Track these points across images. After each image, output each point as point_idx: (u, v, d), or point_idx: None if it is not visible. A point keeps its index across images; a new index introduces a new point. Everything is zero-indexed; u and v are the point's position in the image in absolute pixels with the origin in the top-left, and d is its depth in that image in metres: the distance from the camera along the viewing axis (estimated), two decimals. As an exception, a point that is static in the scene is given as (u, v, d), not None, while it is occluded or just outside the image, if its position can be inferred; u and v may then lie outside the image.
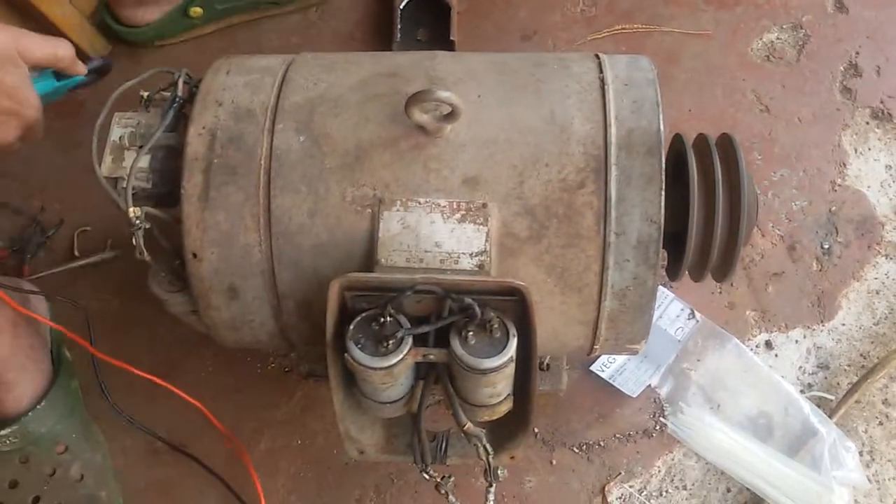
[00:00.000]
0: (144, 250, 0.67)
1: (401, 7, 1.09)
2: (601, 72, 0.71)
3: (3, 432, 0.78)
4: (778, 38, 1.13)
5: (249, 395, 0.91)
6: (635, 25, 1.13)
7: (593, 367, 0.90)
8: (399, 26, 1.09)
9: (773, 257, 0.99)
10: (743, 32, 1.13)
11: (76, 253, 0.99)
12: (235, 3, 1.10)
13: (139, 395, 0.91)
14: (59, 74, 0.75)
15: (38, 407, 0.80)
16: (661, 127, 0.67)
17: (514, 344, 0.62)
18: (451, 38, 1.08)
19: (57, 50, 0.71)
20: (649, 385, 0.90)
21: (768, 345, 0.95)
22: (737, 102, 1.09)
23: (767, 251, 1.00)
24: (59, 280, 0.97)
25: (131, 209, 0.66)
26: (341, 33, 1.13)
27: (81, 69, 0.75)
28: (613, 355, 0.90)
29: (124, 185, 0.71)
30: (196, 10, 1.08)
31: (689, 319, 0.93)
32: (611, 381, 0.90)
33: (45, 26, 1.01)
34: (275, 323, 0.73)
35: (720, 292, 0.97)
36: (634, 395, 0.90)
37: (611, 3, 1.15)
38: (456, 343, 0.62)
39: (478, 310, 0.61)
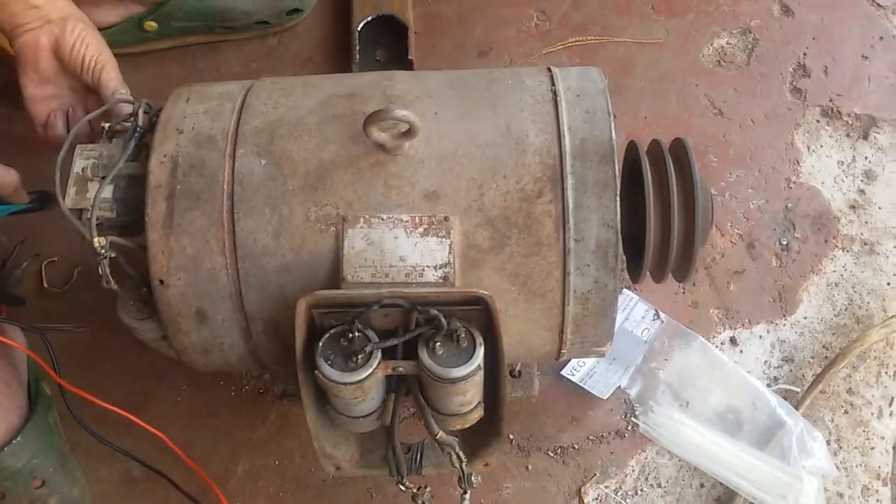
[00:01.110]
0: (111, 279, 0.68)
1: (358, 29, 1.11)
2: (553, 84, 0.73)
3: (-23, 468, 0.78)
4: (728, 44, 1.16)
5: (224, 418, 0.92)
6: (588, 37, 1.16)
7: (564, 372, 0.92)
8: (358, 48, 1.10)
9: (733, 256, 1.02)
10: (693, 39, 1.16)
11: (45, 285, 0.99)
12: (191, 23, 1.11)
13: (113, 424, 0.91)
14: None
15: (13, 441, 0.79)
16: (613, 135, 0.69)
17: (481, 352, 0.63)
18: (410, 57, 1.10)
19: (3, 177, 0.74)
20: (619, 386, 0.92)
21: (733, 341, 0.98)
22: (691, 107, 1.12)
23: (727, 250, 1.02)
24: (30, 312, 0.96)
25: (96, 239, 0.67)
26: (301, 57, 1.15)
27: (23, 198, 0.77)
28: (582, 359, 0.92)
29: (89, 216, 0.71)
30: (150, 24, 1.09)
31: (654, 320, 0.95)
32: (581, 385, 0.91)
33: (8, 61, 1.01)
34: (244, 345, 0.73)
35: (683, 292, 0.99)
36: (605, 397, 0.91)
37: (564, 17, 1.17)
38: (424, 354, 0.63)
39: (444, 320, 0.62)
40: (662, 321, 0.95)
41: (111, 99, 0.79)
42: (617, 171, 0.68)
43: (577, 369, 0.92)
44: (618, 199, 0.67)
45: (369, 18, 1.12)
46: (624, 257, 0.71)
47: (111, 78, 0.79)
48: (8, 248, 1.01)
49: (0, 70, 1.09)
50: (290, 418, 0.92)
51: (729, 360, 0.94)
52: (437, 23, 1.17)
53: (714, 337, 0.97)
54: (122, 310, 0.74)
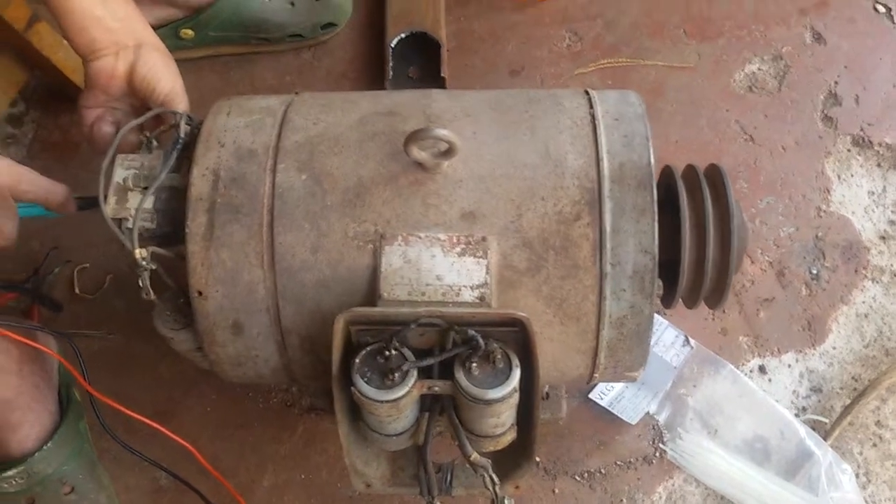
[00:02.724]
0: (151, 290, 0.69)
1: (392, 45, 1.12)
2: (591, 107, 0.73)
3: (8, 473, 0.78)
4: (759, 69, 1.16)
5: (252, 430, 0.92)
6: (620, 60, 1.16)
7: (592, 395, 0.92)
8: (391, 64, 1.11)
9: (763, 283, 1.01)
10: (725, 64, 1.16)
11: (76, 291, 1.00)
12: (226, 33, 1.12)
13: (141, 433, 0.92)
14: None
15: (44, 447, 0.80)
16: (652, 160, 0.69)
17: (517, 374, 0.63)
18: (442, 74, 1.10)
19: (49, 196, 0.76)
20: (647, 412, 0.92)
21: (762, 369, 0.97)
22: (721, 133, 1.12)
23: (757, 277, 1.02)
24: (61, 318, 0.97)
25: (138, 250, 0.68)
26: (334, 72, 1.16)
27: (71, 209, 0.78)
28: (611, 383, 0.92)
29: (129, 226, 0.72)
30: (187, 32, 1.10)
31: (683, 346, 0.94)
32: (609, 409, 0.91)
33: (50, 70, 1.03)
34: (279, 358, 0.74)
35: (713, 319, 0.99)
36: (633, 422, 0.91)
37: (596, 38, 1.18)
38: (460, 374, 0.63)
39: (481, 341, 0.62)
40: (692, 347, 0.94)
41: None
42: (655, 197, 0.68)
43: (606, 393, 0.92)
44: (656, 224, 0.67)
45: (403, 35, 1.13)
46: (660, 283, 0.71)
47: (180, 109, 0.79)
48: (41, 255, 1.02)
49: (38, 75, 1.11)
50: (318, 433, 0.92)
51: (758, 389, 0.94)
52: (469, 41, 1.18)
53: (743, 364, 0.97)
54: (158, 320, 0.75)
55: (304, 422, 0.93)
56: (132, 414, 0.82)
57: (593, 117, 0.72)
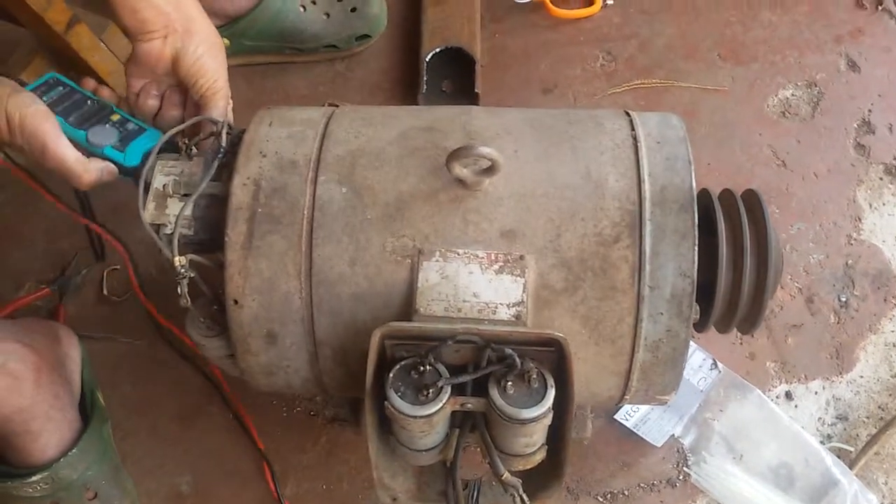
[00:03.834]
0: (189, 298, 0.69)
1: (426, 59, 1.12)
2: (633, 129, 0.73)
3: (33, 478, 0.78)
4: (793, 95, 1.16)
5: (275, 438, 0.92)
6: (654, 81, 1.16)
7: (617, 416, 0.91)
8: (425, 78, 1.11)
9: (791, 309, 1.01)
10: (759, 88, 1.16)
11: (105, 292, 1.00)
12: (261, 43, 1.13)
13: (164, 438, 0.92)
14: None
15: (69, 453, 0.80)
16: (694, 184, 0.69)
17: (552, 394, 0.63)
18: (476, 90, 1.11)
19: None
20: (673, 435, 0.91)
21: (788, 396, 0.96)
22: (754, 157, 1.11)
23: (786, 303, 1.01)
24: (89, 321, 0.98)
25: (177, 258, 0.68)
26: (367, 83, 1.16)
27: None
28: (640, 405, 0.91)
29: (167, 232, 0.73)
30: (223, 41, 1.10)
31: (711, 370, 0.94)
32: (635, 430, 0.91)
33: (86, 72, 1.04)
34: (310, 369, 0.74)
35: (741, 343, 0.98)
36: (658, 445, 0.90)
37: (630, 59, 1.18)
38: (495, 393, 0.63)
39: (517, 360, 0.62)
40: (720, 371, 0.94)
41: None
42: (696, 221, 0.68)
43: (631, 414, 0.91)
44: (696, 248, 0.67)
45: (438, 50, 1.13)
46: (697, 307, 0.70)
47: (217, 107, 0.79)
48: (69, 255, 1.03)
49: (74, 77, 1.11)
50: (340, 443, 0.92)
51: (784, 415, 0.93)
52: (503, 57, 1.18)
53: (769, 390, 0.96)
54: (192, 326, 0.75)
55: (326, 432, 0.93)
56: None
57: (635, 139, 0.72)
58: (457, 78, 1.14)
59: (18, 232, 1.06)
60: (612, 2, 1.21)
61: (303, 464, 0.91)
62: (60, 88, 0.81)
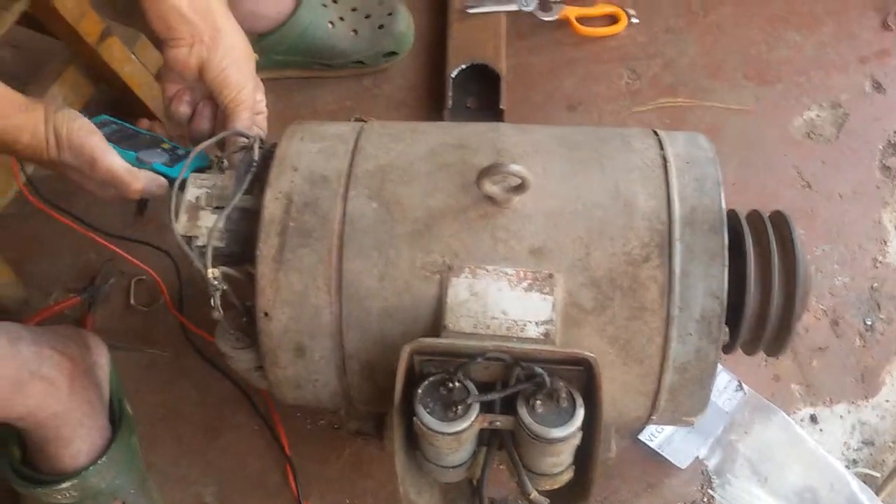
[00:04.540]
0: (221, 310, 0.69)
1: (452, 76, 1.13)
2: (661, 148, 0.74)
3: (63, 485, 0.79)
4: (817, 116, 1.16)
5: (298, 450, 0.92)
6: (678, 99, 1.16)
7: (641, 436, 0.91)
8: (451, 94, 1.12)
9: (817, 332, 1.00)
10: (783, 109, 1.16)
11: (132, 302, 1.01)
12: (290, 58, 1.14)
13: (189, 449, 0.93)
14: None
15: (98, 462, 0.80)
16: (724, 205, 0.69)
17: (581, 414, 0.63)
18: (501, 106, 1.11)
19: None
20: (697, 456, 0.91)
21: (813, 419, 0.96)
22: (778, 177, 1.11)
23: (811, 325, 1.01)
24: (115, 331, 0.98)
25: (210, 270, 0.69)
26: (394, 99, 1.17)
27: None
28: (665, 426, 0.91)
29: (198, 244, 0.73)
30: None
31: (736, 391, 0.94)
32: (659, 451, 0.90)
33: (116, 84, 1.05)
34: (338, 383, 0.74)
35: (766, 364, 0.98)
36: (683, 466, 0.90)
37: (655, 77, 1.18)
38: (524, 411, 0.63)
39: (547, 379, 0.62)
40: (745, 393, 0.94)
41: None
42: (726, 242, 0.68)
43: (656, 435, 0.91)
44: (726, 270, 0.67)
45: (463, 66, 1.14)
46: (727, 329, 0.70)
47: (241, 119, 0.80)
48: (98, 264, 1.04)
49: (104, 89, 1.13)
50: (364, 457, 0.92)
51: (809, 438, 0.93)
52: (528, 74, 1.19)
53: (794, 412, 0.96)
54: (221, 338, 0.76)
55: (350, 445, 0.93)
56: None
57: (664, 159, 0.72)
58: (482, 94, 1.15)
59: (47, 240, 1.07)
60: (636, 20, 1.22)
61: (326, 477, 0.91)
62: (114, 126, 0.83)
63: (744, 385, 0.94)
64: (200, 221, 0.74)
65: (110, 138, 0.77)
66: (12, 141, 0.73)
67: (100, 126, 0.79)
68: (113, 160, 0.74)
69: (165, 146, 0.80)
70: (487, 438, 0.68)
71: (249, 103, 0.82)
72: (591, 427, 0.65)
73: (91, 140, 0.73)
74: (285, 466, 0.91)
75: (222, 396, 0.95)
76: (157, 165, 0.77)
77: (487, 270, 0.68)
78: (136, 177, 0.74)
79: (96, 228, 0.94)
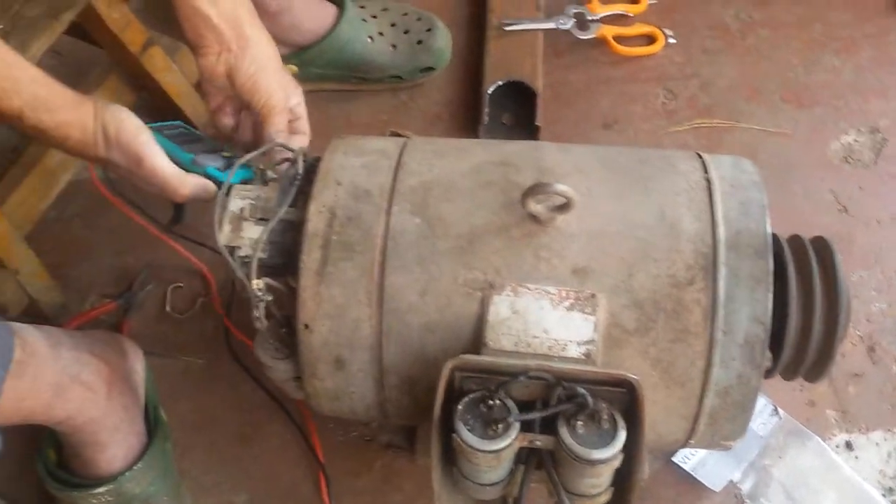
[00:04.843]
0: (265, 321, 0.70)
1: (489, 92, 1.13)
2: (706, 171, 0.74)
3: (99, 490, 0.79)
4: (855, 141, 1.15)
5: (330, 461, 0.92)
6: (715, 120, 1.16)
7: (675, 458, 0.90)
8: (487, 110, 1.12)
9: (853, 357, 0.99)
10: (820, 133, 1.16)
11: (168, 309, 1.02)
12: (329, 71, 1.15)
13: (222, 456, 0.93)
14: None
15: (134, 468, 0.81)
16: (769, 230, 0.69)
17: (623, 436, 0.62)
18: (537, 123, 1.11)
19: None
20: (731, 480, 0.90)
21: (848, 445, 0.95)
22: (815, 201, 1.11)
23: (847, 351, 1.00)
24: (150, 337, 0.99)
25: (255, 282, 0.69)
26: (429, 114, 1.18)
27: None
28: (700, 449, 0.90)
29: (240, 254, 0.74)
30: (291, 68, 1.13)
31: (771, 415, 0.93)
32: (693, 474, 0.90)
33: (157, 92, 1.07)
34: (375, 396, 0.74)
35: (801, 389, 0.97)
36: (716, 490, 0.89)
37: (691, 98, 1.18)
38: (564, 432, 0.63)
39: (590, 400, 0.62)
40: (780, 417, 0.93)
41: (269, 145, 0.82)
42: (771, 267, 0.67)
43: (689, 457, 0.90)
44: (770, 295, 0.67)
45: (500, 83, 1.14)
46: (769, 354, 0.70)
47: (273, 124, 0.81)
48: (136, 269, 1.05)
49: (145, 97, 1.14)
50: (394, 469, 0.92)
51: (845, 465, 0.92)
52: (564, 92, 1.19)
53: (829, 438, 0.95)
54: (260, 347, 0.76)
55: (381, 458, 0.93)
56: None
57: (709, 182, 0.72)
58: (517, 111, 1.15)
59: (86, 244, 1.08)
60: (673, 41, 1.22)
61: (357, 489, 0.91)
62: (182, 129, 0.84)
63: (779, 409, 0.93)
64: (243, 232, 0.74)
65: (174, 139, 0.78)
66: (63, 137, 0.74)
67: (170, 128, 0.80)
68: (159, 161, 0.74)
69: (226, 154, 0.81)
70: (525, 457, 0.68)
71: (281, 108, 0.83)
72: (631, 449, 0.64)
73: (138, 139, 0.74)
74: (317, 477, 0.91)
75: (256, 404, 0.96)
76: (210, 169, 0.78)
77: (529, 289, 0.68)
78: (183, 182, 0.75)
79: (161, 227, 0.94)
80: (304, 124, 0.87)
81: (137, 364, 0.89)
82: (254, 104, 0.82)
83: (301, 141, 0.91)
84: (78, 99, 0.74)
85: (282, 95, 0.82)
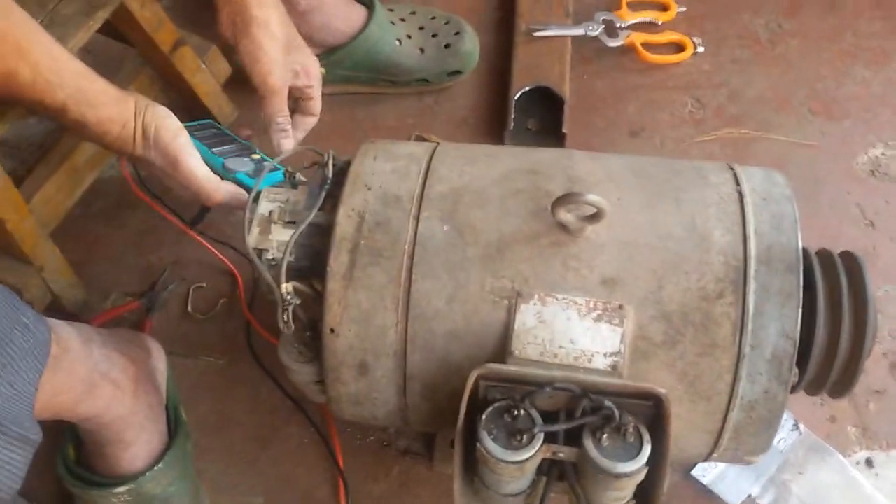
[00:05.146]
0: (292, 324, 0.70)
1: (515, 97, 1.13)
2: (738, 184, 0.73)
3: (119, 489, 0.79)
4: (883, 154, 1.14)
5: (347, 465, 0.92)
6: (743, 130, 1.15)
7: (693, 472, 0.90)
8: (513, 115, 1.12)
9: (875, 374, 0.98)
10: (849, 145, 1.15)
11: (189, 309, 1.02)
12: (356, 73, 1.15)
13: (239, 458, 0.93)
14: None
15: (155, 468, 0.81)
16: (800, 245, 0.68)
17: (648, 450, 0.62)
18: (563, 130, 1.11)
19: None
20: (749, 494, 0.89)
21: (869, 462, 0.94)
22: (841, 214, 1.10)
23: (869, 367, 0.98)
24: (171, 337, 0.99)
25: (284, 285, 0.69)
26: (455, 118, 1.17)
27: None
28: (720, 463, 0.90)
29: (268, 257, 0.74)
30: (321, 70, 1.13)
31: (792, 430, 0.92)
32: (711, 488, 0.89)
33: (185, 91, 1.07)
34: (397, 402, 0.74)
35: (822, 405, 0.96)
36: (736, 505, 0.89)
37: (719, 108, 1.17)
38: (589, 444, 0.62)
39: (616, 413, 0.62)
40: (801, 433, 0.92)
41: (271, 126, 0.82)
42: (801, 283, 0.67)
43: (708, 471, 0.90)
44: (800, 311, 0.66)
45: (527, 88, 1.14)
46: (797, 370, 0.69)
47: (269, 105, 0.82)
48: (159, 268, 1.05)
49: (173, 97, 1.14)
50: (412, 475, 0.92)
51: (865, 482, 0.91)
52: (591, 99, 1.18)
53: (849, 455, 0.94)
54: (284, 351, 0.76)
55: (399, 464, 0.93)
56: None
57: (740, 194, 0.71)
58: (544, 117, 1.15)
59: (108, 243, 1.08)
60: (702, 49, 1.21)
61: (374, 494, 0.91)
62: (214, 130, 0.85)
63: (800, 425, 0.93)
64: (272, 235, 0.75)
65: (205, 141, 0.78)
66: (104, 132, 0.75)
67: (200, 128, 0.81)
68: (196, 165, 0.75)
69: (255, 156, 0.82)
70: (547, 468, 0.68)
71: (278, 89, 0.84)
72: (656, 463, 0.64)
73: (177, 141, 0.75)
74: (335, 481, 0.91)
75: (274, 406, 0.96)
76: (240, 175, 0.78)
77: (557, 298, 0.68)
78: (217, 188, 0.76)
79: (192, 227, 0.97)
80: (313, 105, 0.87)
81: (160, 363, 0.89)
82: (253, 83, 0.83)
83: (304, 123, 0.92)
84: (120, 95, 0.75)
85: (282, 75, 0.83)
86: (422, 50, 1.14)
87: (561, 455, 0.64)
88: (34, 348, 0.65)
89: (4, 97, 0.73)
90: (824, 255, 0.76)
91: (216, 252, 1.01)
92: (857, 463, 0.94)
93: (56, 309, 0.98)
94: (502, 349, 0.68)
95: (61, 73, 0.72)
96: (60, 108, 0.72)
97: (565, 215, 0.68)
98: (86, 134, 0.76)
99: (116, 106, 0.74)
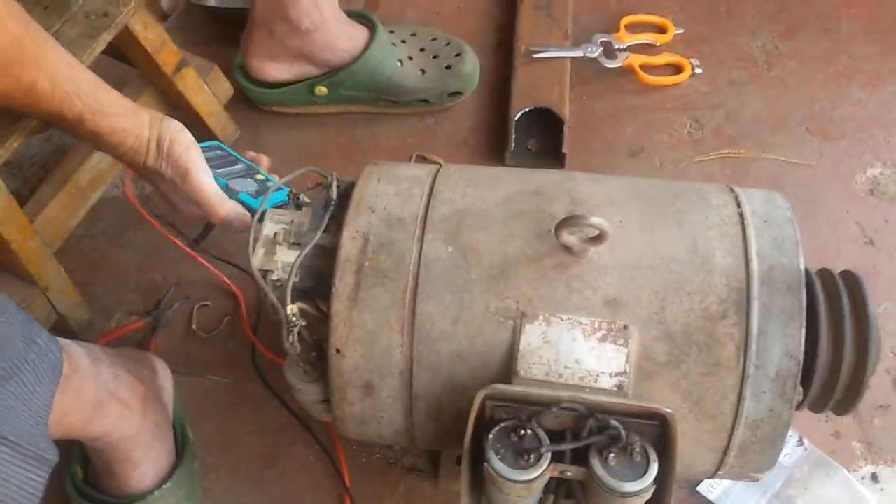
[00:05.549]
0: (298, 345, 0.70)
1: (515, 118, 1.14)
2: (739, 206, 0.74)
3: (128, 508, 0.80)
4: (881, 174, 1.15)
5: (353, 483, 0.92)
6: (741, 151, 1.16)
7: (699, 488, 0.90)
8: (513, 136, 1.13)
9: (878, 390, 0.99)
10: (846, 165, 1.16)
11: (194, 327, 1.03)
12: (357, 93, 1.16)
13: (244, 477, 0.93)
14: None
15: (164, 486, 0.81)
16: (802, 266, 0.69)
17: (655, 469, 0.63)
18: (563, 150, 1.12)
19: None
20: (755, 511, 0.90)
21: (874, 478, 0.94)
22: (840, 233, 1.10)
23: (873, 383, 0.96)
24: (176, 356, 1.00)
25: (289, 306, 0.70)
26: (455, 138, 1.18)
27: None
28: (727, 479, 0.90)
29: (273, 278, 0.75)
30: (321, 89, 1.14)
31: (797, 446, 0.93)
32: (716, 505, 0.90)
33: (188, 112, 1.08)
34: (403, 421, 0.75)
35: (826, 421, 0.96)
36: (741, 522, 0.89)
37: (717, 128, 1.19)
38: (596, 463, 0.63)
39: (623, 432, 0.62)
40: (806, 448, 0.92)
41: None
42: (804, 303, 0.68)
43: (714, 487, 0.90)
44: (803, 330, 0.67)
45: (527, 109, 1.15)
46: (801, 389, 0.70)
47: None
48: (162, 287, 1.06)
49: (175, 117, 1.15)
50: (417, 493, 0.92)
51: (871, 497, 0.91)
52: (590, 119, 1.19)
53: (854, 470, 0.94)
54: (290, 370, 0.76)
55: (405, 481, 0.93)
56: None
57: (741, 216, 0.72)
58: (544, 137, 1.16)
59: (112, 262, 1.09)
60: (700, 71, 1.22)
61: (380, 514, 0.91)
62: (219, 151, 0.85)
63: (804, 440, 0.93)
64: (277, 256, 0.75)
65: (210, 162, 0.79)
66: (118, 143, 0.76)
67: (206, 150, 0.81)
68: (206, 179, 0.76)
69: (258, 177, 0.82)
70: (553, 487, 0.68)
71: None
72: (662, 482, 0.64)
73: (189, 154, 0.76)
74: (342, 498, 0.91)
75: (280, 425, 0.96)
76: (243, 195, 0.79)
77: (562, 319, 0.69)
78: (222, 203, 0.76)
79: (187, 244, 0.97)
80: None
81: (167, 382, 0.89)
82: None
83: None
84: (135, 107, 0.76)
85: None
86: (423, 71, 1.15)
87: (569, 474, 0.65)
88: (48, 369, 0.65)
89: (24, 110, 0.74)
90: (825, 275, 0.77)
91: (218, 272, 1.01)
92: (863, 478, 0.94)
93: (61, 328, 0.98)
94: (507, 369, 0.69)
95: (78, 82, 0.73)
96: (77, 119, 0.73)
97: (569, 237, 0.69)
98: (98, 143, 0.77)
99: (132, 118, 0.75)
